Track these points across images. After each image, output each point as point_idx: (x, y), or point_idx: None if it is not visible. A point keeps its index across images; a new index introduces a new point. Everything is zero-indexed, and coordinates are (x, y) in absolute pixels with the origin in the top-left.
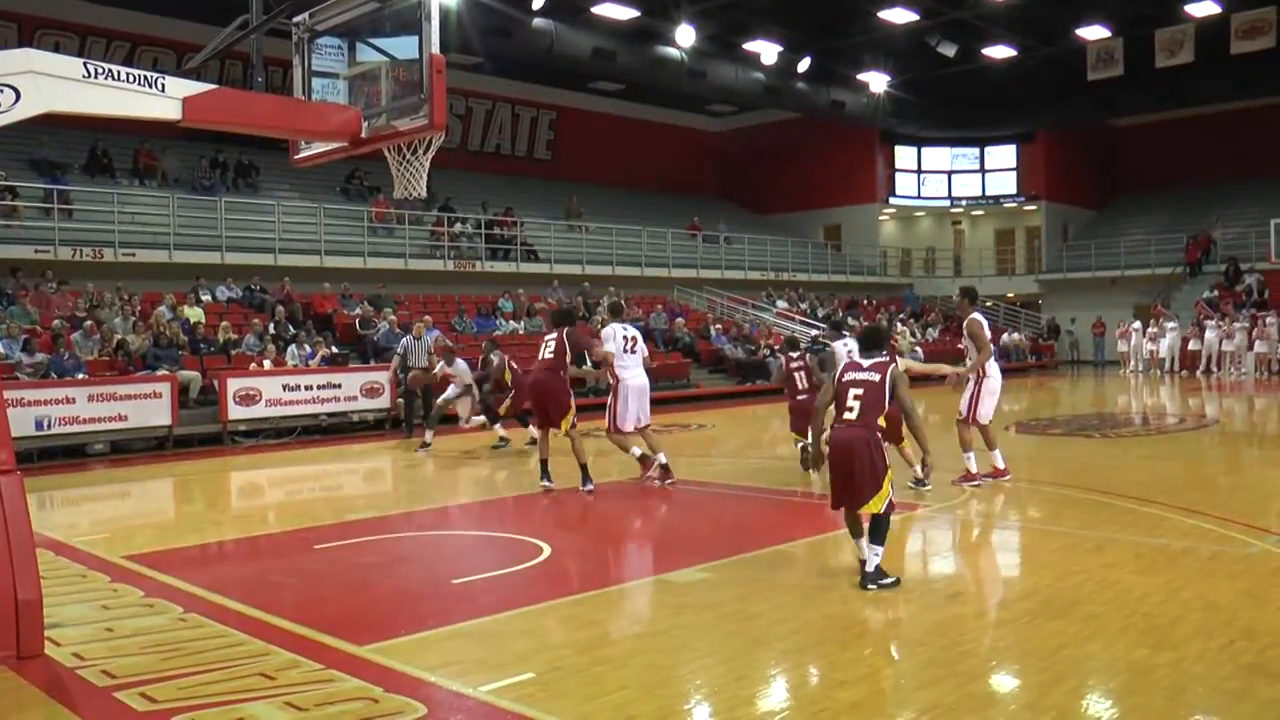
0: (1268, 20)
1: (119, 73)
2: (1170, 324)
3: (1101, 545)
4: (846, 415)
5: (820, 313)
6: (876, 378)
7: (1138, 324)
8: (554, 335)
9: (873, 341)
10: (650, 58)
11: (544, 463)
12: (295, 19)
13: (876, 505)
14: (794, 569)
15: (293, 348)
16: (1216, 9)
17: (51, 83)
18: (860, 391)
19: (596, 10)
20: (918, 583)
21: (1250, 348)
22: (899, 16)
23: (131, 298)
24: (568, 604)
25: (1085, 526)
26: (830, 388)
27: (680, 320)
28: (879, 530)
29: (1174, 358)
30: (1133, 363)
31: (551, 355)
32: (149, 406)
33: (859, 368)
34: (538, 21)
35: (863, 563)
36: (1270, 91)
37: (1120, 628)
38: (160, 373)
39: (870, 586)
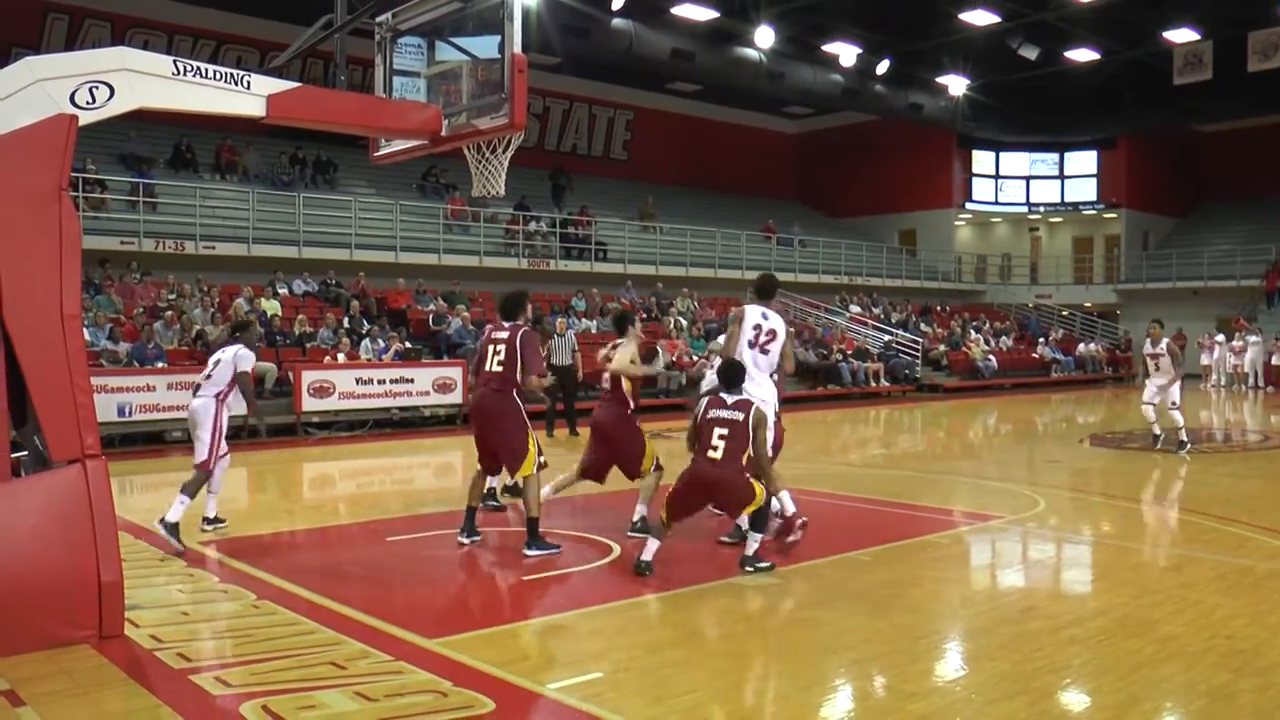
0: None
1: (206, 70)
2: (1253, 338)
3: (1180, 564)
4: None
5: (894, 318)
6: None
7: (1220, 336)
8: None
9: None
10: (728, 58)
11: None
12: (378, 19)
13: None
14: (863, 577)
15: (366, 342)
16: None
17: (143, 79)
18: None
19: (676, 11)
20: (990, 595)
21: None
22: (980, 18)
23: (211, 289)
24: (637, 604)
25: (1163, 544)
26: None
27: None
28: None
29: (1258, 372)
30: (1215, 376)
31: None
32: None
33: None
34: (617, 21)
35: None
36: None
37: (1201, 650)
38: None
39: (748, 569)
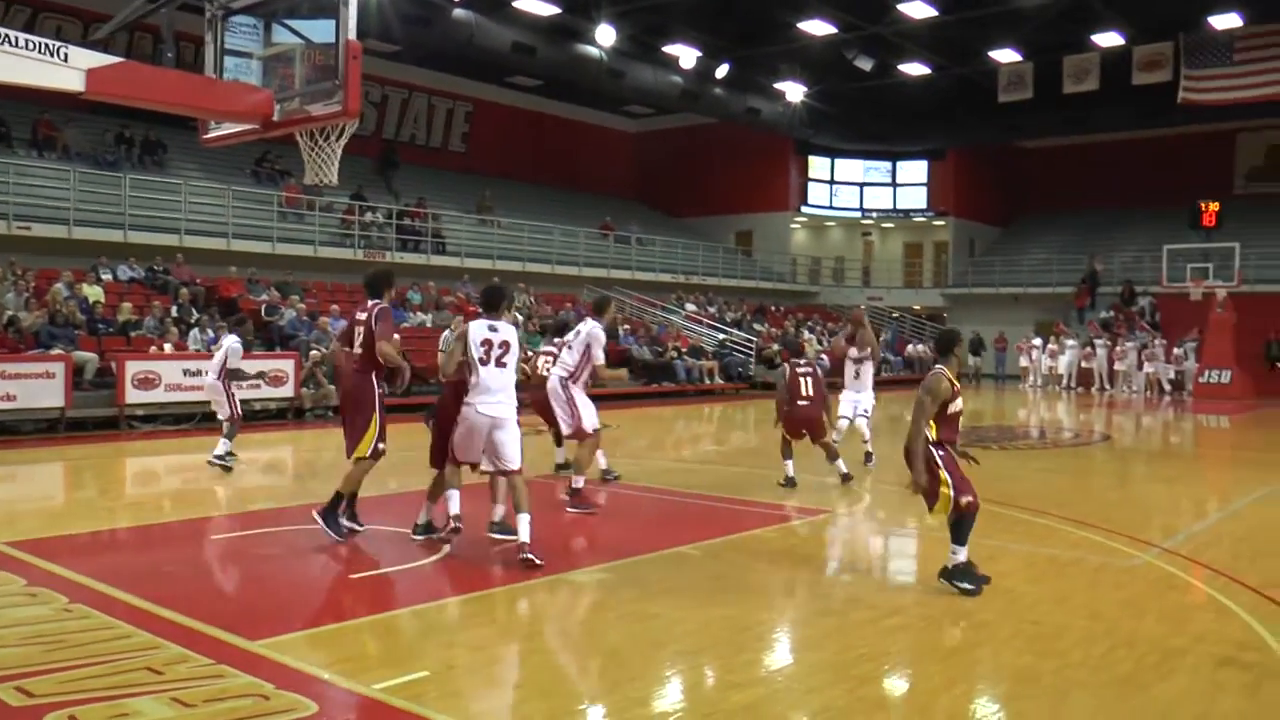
0: (1165, 55)
1: (16, 39)
2: (1070, 342)
3: (995, 554)
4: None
5: (729, 317)
6: None
7: (1038, 340)
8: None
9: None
10: (570, 55)
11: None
12: None
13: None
14: (692, 571)
15: (195, 331)
16: (1120, 40)
17: None
18: None
19: (518, 4)
20: (813, 587)
21: (1140, 368)
22: (817, 28)
23: (25, 273)
24: (464, 602)
25: (980, 535)
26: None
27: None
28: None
29: (1072, 374)
30: (1032, 378)
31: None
32: (41, 387)
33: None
34: (458, 12)
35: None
36: (1167, 122)
37: (1009, 634)
38: (54, 352)
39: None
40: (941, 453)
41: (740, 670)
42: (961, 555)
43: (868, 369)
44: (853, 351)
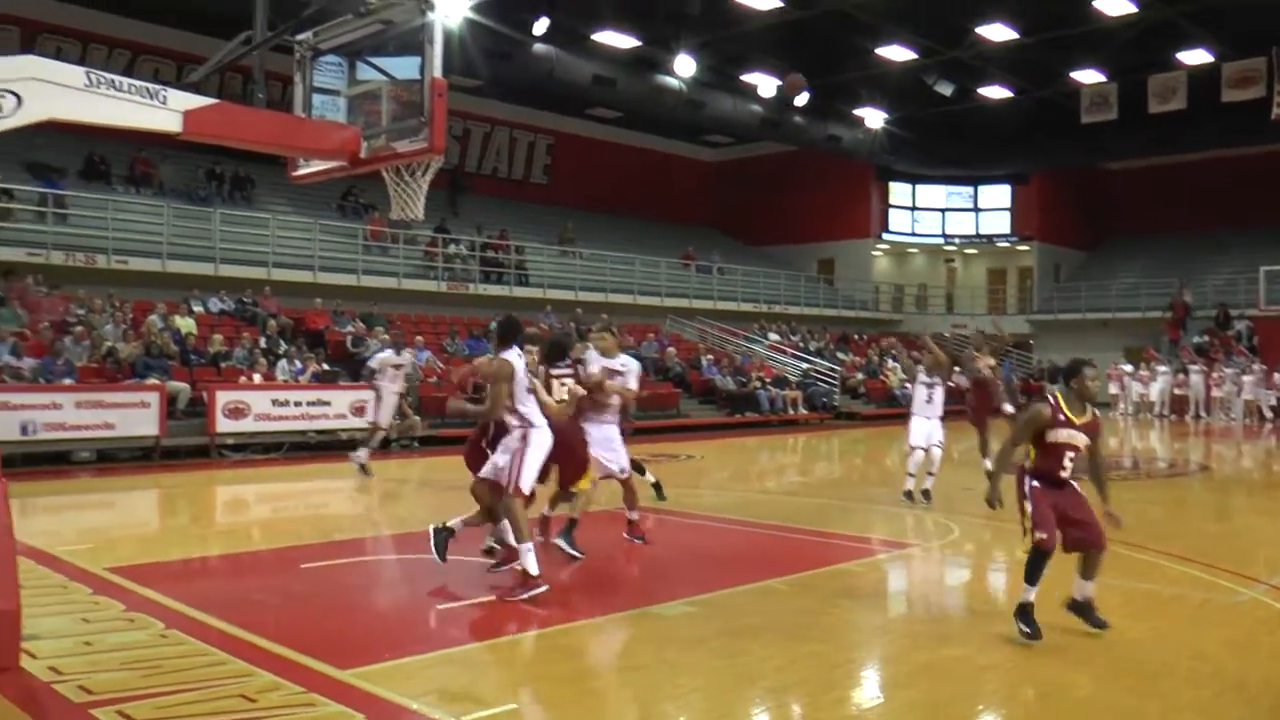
0: (1258, 70)
1: (121, 83)
2: (1161, 368)
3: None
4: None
5: (813, 346)
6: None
7: (1128, 367)
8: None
9: None
10: (649, 86)
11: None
12: (299, 36)
13: None
14: (779, 605)
15: (283, 363)
16: (1209, 58)
17: (53, 90)
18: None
19: (597, 37)
20: (905, 623)
21: (1239, 394)
22: (897, 54)
23: (123, 305)
24: (552, 634)
25: (1075, 571)
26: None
27: (672, 350)
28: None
29: (1164, 401)
30: (1123, 405)
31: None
32: (136, 416)
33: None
34: (539, 47)
35: None
36: (1259, 140)
37: (1110, 674)
38: (149, 382)
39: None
40: (1034, 484)
41: (830, 708)
42: (1028, 594)
43: (939, 393)
44: (922, 375)
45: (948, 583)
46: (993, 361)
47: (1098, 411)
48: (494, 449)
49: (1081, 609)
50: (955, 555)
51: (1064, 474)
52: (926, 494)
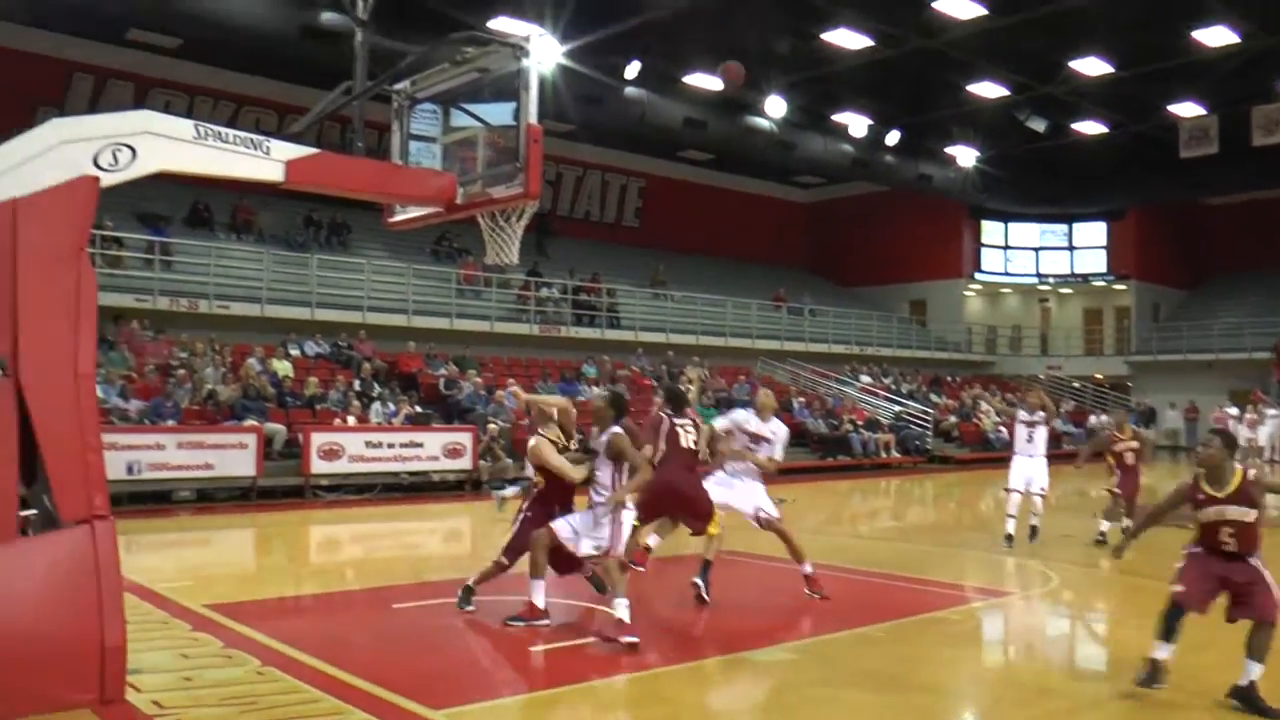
0: None
1: (227, 135)
2: (1271, 411)
3: (1201, 644)
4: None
5: (905, 389)
6: None
7: (1234, 410)
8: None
9: None
10: (740, 128)
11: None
12: (397, 86)
13: None
14: (876, 653)
15: (377, 405)
16: None
17: (165, 143)
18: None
19: (688, 80)
20: (1004, 674)
21: None
22: (988, 91)
23: (223, 349)
24: (646, 679)
25: (1189, 624)
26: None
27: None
28: None
29: (1274, 446)
30: None
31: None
32: (235, 456)
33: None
34: (630, 90)
35: None
36: None
37: None
38: (247, 424)
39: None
40: (1189, 551)
41: None
42: (1156, 650)
43: (1041, 433)
44: (1022, 413)
45: (1048, 633)
46: (1135, 444)
47: (1252, 472)
48: (565, 512)
49: (1244, 695)
50: (1055, 604)
51: (1227, 548)
52: (1033, 531)
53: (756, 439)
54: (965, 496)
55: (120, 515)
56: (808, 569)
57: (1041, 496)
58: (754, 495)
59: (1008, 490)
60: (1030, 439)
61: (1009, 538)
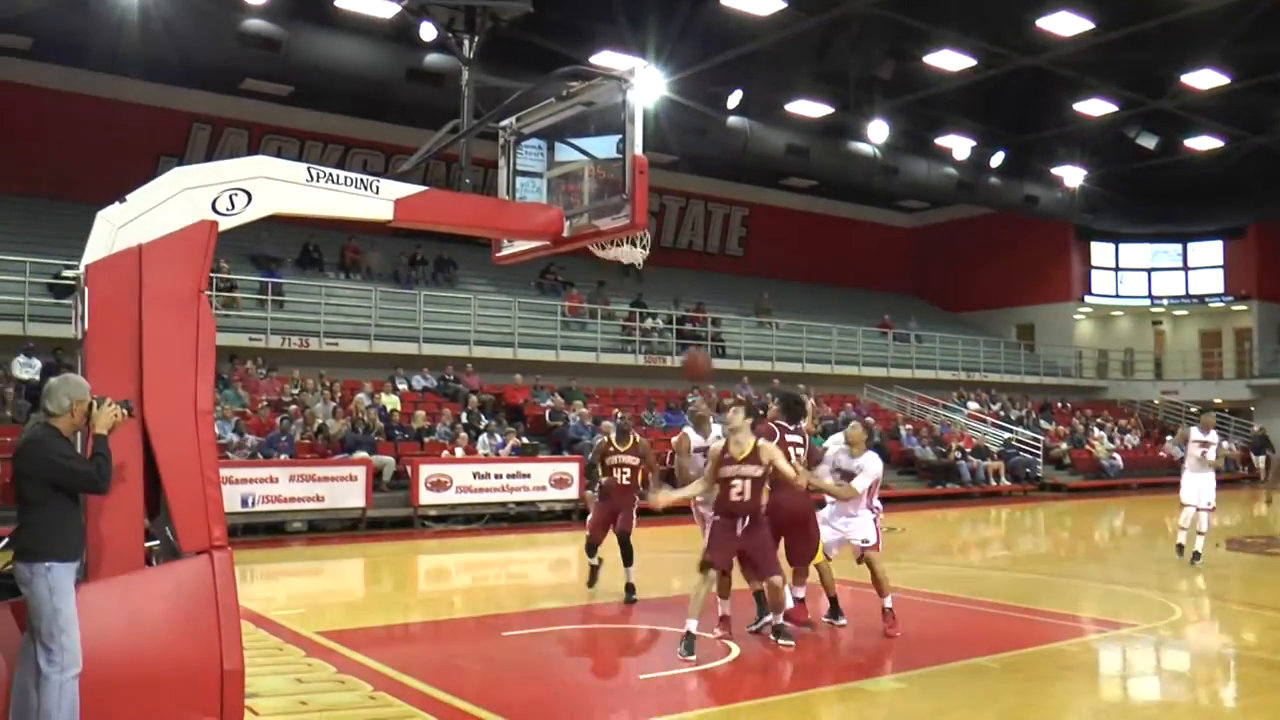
0: None
1: (338, 176)
2: None
3: None
4: None
5: (1013, 415)
6: None
7: None
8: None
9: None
10: (843, 154)
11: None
12: (502, 123)
13: None
14: (990, 685)
15: (484, 437)
16: None
17: (279, 186)
18: None
19: (790, 108)
20: (1125, 711)
21: None
22: (1096, 108)
23: (333, 384)
24: (755, 707)
25: None
26: None
27: (870, 420)
28: None
29: None
30: None
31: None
32: (344, 489)
33: None
34: (733, 120)
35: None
36: None
37: None
38: (357, 456)
39: None
40: None
41: None
42: None
43: (1213, 453)
44: (1195, 433)
45: (1167, 667)
46: None
47: None
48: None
49: None
50: (1175, 638)
51: None
52: (1196, 556)
53: (846, 475)
54: (1078, 526)
55: (236, 546)
56: (888, 603)
57: (1209, 511)
58: (865, 524)
59: (1182, 504)
60: (1203, 455)
61: (1180, 548)
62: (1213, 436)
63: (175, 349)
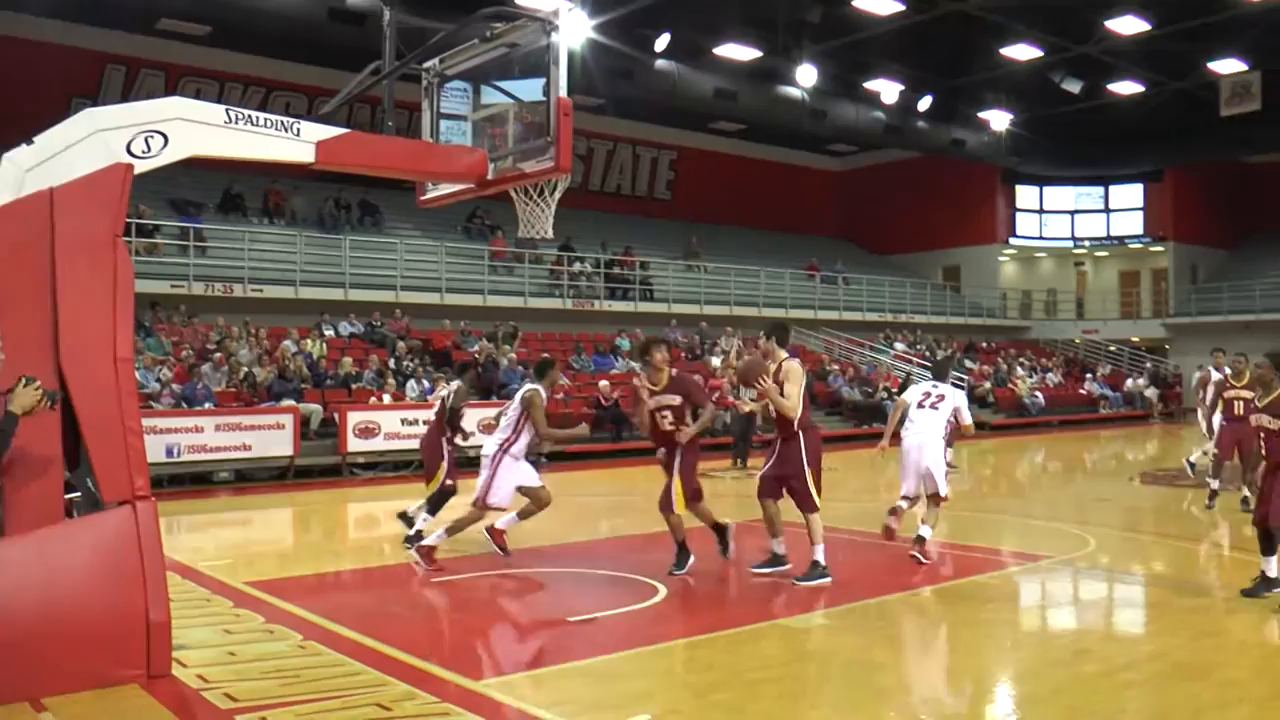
0: None
1: (258, 118)
2: None
3: (1240, 606)
4: None
5: (939, 355)
6: None
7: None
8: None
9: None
10: (771, 97)
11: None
12: (425, 64)
13: None
14: (914, 618)
15: (411, 383)
16: None
17: (196, 129)
18: None
19: (719, 51)
20: (1041, 638)
21: None
22: (1022, 53)
23: (258, 331)
24: (683, 646)
25: (1221, 584)
26: None
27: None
28: None
29: None
30: None
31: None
32: (272, 437)
33: None
34: (660, 63)
35: None
36: None
37: (1268, 694)
38: (284, 404)
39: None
40: None
41: None
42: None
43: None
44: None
45: (1084, 597)
46: (1248, 394)
47: None
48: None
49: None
50: (1091, 569)
51: None
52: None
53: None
54: (1000, 463)
55: (161, 497)
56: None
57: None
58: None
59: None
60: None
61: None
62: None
63: (92, 296)
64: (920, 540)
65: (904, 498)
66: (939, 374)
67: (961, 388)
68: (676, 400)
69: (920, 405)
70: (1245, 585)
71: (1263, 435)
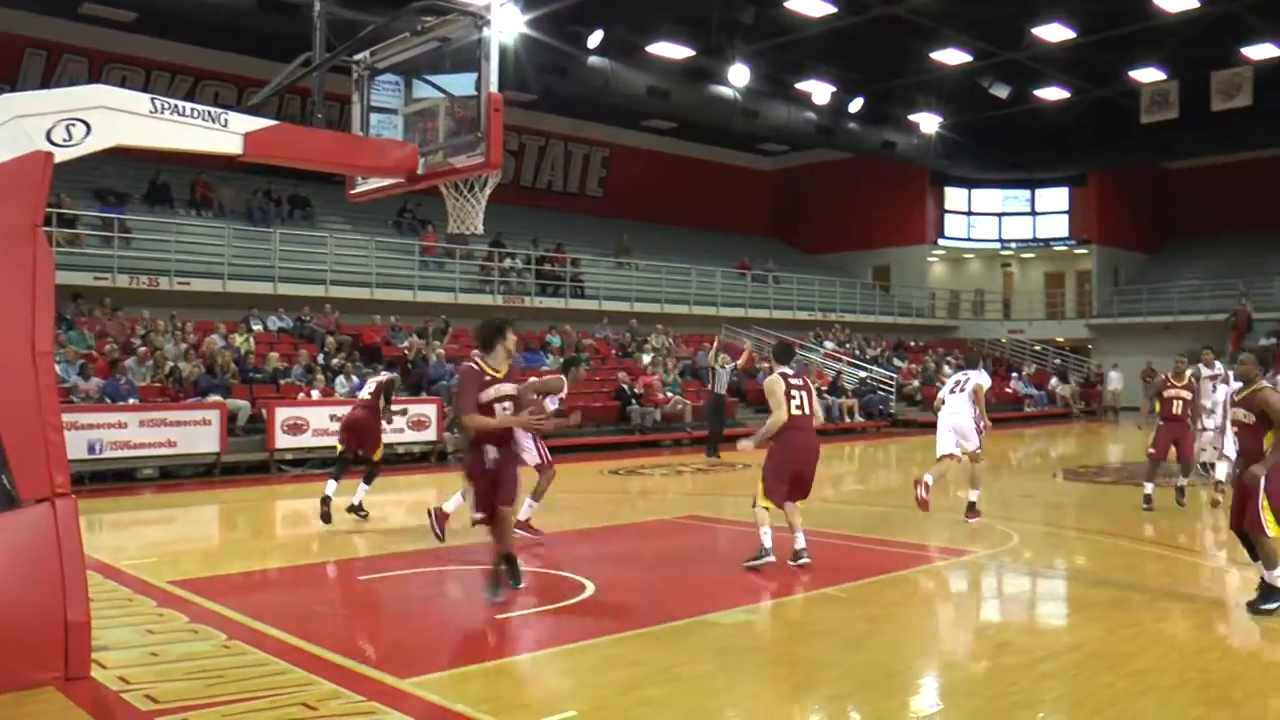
0: None
1: (184, 108)
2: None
3: (1154, 598)
4: None
5: (869, 354)
6: None
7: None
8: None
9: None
10: (703, 96)
11: None
12: (356, 57)
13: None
14: (838, 613)
15: (340, 378)
16: (1276, 51)
17: (120, 117)
18: None
19: (651, 49)
20: (961, 630)
21: None
22: (951, 58)
23: (185, 325)
24: (610, 643)
25: (1137, 578)
26: None
27: (726, 359)
28: None
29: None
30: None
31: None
32: (198, 433)
33: None
34: (593, 60)
35: None
36: None
37: (1174, 684)
38: (211, 400)
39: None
40: None
41: (890, 716)
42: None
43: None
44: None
45: (1007, 590)
46: (1187, 394)
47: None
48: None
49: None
50: (1014, 562)
51: None
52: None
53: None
54: (928, 460)
55: (82, 494)
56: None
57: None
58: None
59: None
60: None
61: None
62: (1218, 368)
63: (10, 287)
64: (971, 506)
65: (940, 458)
66: (969, 366)
67: (987, 369)
68: (514, 390)
69: (952, 391)
70: (1160, 580)
71: (1236, 430)
